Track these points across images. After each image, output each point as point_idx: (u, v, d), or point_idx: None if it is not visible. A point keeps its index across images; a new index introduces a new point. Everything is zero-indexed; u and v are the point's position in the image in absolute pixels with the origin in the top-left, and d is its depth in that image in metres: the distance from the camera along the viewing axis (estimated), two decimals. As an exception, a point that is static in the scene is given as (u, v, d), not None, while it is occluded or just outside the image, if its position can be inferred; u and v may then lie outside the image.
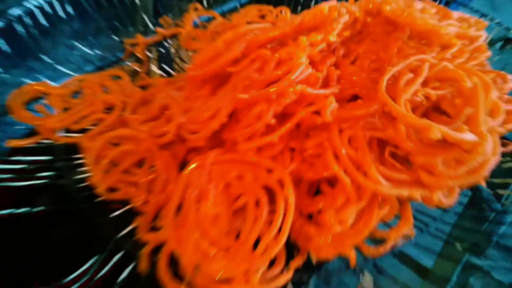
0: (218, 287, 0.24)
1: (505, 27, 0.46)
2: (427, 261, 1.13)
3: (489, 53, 0.34)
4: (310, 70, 0.27)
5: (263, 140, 0.27)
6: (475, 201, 0.88)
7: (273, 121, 0.27)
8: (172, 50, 0.49)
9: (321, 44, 0.29)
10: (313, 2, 0.53)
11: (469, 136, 0.24)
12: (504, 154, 0.32)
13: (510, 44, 0.48)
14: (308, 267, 0.27)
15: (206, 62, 0.33)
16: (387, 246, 0.27)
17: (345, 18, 0.31)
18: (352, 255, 0.25)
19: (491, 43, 0.47)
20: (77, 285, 0.25)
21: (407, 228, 0.28)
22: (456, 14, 0.34)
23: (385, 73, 0.27)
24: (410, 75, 0.27)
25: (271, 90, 0.26)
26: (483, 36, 0.33)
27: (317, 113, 0.27)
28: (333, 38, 0.29)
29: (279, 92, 0.26)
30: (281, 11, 0.49)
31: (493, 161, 0.26)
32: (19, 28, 0.42)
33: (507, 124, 0.29)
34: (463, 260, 1.05)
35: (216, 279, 0.24)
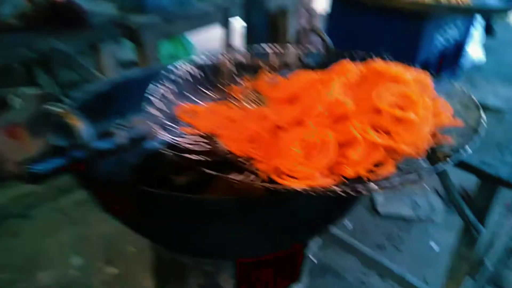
0: (301, 181, 0.52)
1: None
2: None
3: (432, 91, 0.65)
4: (339, 89, 0.59)
5: (318, 120, 0.57)
6: (466, 228, 1.16)
7: (321, 109, 0.57)
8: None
9: (344, 80, 0.61)
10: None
11: (413, 116, 0.54)
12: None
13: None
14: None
15: (284, 90, 0.64)
16: (381, 177, 0.55)
17: (356, 69, 0.63)
18: (365, 173, 0.54)
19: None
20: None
21: (391, 168, 0.56)
22: (413, 69, 0.66)
23: (375, 90, 0.58)
24: (387, 93, 0.58)
25: (324, 94, 0.57)
26: (428, 80, 0.65)
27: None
28: (350, 77, 0.61)
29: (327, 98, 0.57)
30: (318, 73, 0.83)
31: (427, 129, 0.55)
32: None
33: (437, 117, 0.58)
34: (463, 283, 1.30)
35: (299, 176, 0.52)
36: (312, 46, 0.92)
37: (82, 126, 0.53)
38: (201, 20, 1.77)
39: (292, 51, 0.89)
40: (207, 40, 2.76)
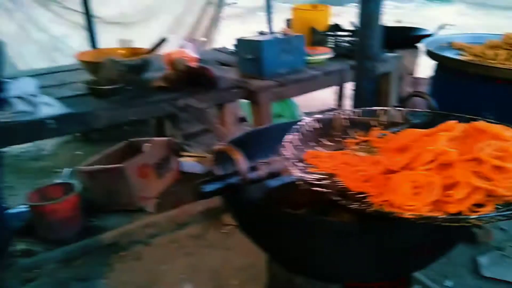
0: (412, 212, 0.64)
1: None
2: None
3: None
4: (445, 142, 0.71)
5: (426, 166, 0.70)
6: None
7: (429, 157, 0.70)
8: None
9: (448, 135, 0.73)
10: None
11: (510, 165, 0.64)
12: None
13: None
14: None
15: (395, 142, 0.78)
16: (483, 212, 0.65)
17: (459, 127, 0.75)
18: (466, 210, 0.64)
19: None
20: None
21: (490, 208, 0.65)
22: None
23: (476, 144, 0.69)
24: (488, 147, 0.69)
25: (431, 145, 0.70)
26: (527, 137, 0.73)
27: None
28: (454, 134, 0.73)
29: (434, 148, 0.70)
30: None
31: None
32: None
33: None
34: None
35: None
36: (417, 107, 1.05)
37: (241, 159, 0.73)
38: (311, 85, 2.00)
39: (399, 112, 1.03)
40: (309, 101, 3.02)
